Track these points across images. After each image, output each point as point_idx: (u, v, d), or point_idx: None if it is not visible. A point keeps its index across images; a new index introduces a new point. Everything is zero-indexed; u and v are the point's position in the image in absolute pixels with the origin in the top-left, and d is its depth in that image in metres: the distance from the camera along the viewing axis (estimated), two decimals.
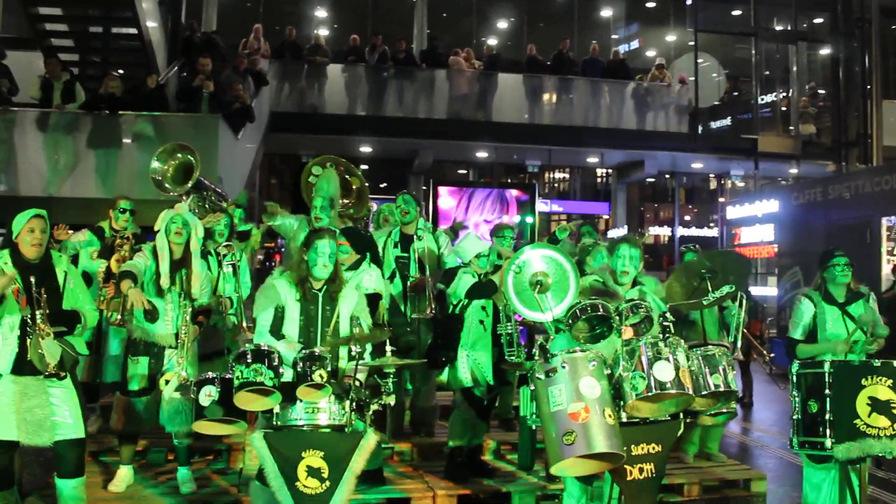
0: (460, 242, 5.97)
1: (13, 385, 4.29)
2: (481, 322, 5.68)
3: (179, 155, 6.62)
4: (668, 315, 4.27)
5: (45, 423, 4.36)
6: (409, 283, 6.30)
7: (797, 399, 4.41)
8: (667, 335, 4.16)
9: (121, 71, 14.05)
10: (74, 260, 6.04)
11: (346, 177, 6.80)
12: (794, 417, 4.46)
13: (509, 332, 5.63)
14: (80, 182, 11.08)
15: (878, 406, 4.07)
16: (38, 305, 4.29)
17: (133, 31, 13.25)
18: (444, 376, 5.89)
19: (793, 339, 5.20)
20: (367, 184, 7.02)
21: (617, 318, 4.25)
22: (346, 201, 6.72)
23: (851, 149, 18.30)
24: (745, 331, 6.86)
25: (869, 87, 17.44)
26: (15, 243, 4.40)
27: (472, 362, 5.61)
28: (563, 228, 7.37)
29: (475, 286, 5.57)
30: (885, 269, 11.89)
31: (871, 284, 10.74)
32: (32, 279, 4.32)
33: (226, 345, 6.02)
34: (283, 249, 16.96)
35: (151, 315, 5.10)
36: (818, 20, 20.62)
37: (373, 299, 5.19)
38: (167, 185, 6.56)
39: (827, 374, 4.23)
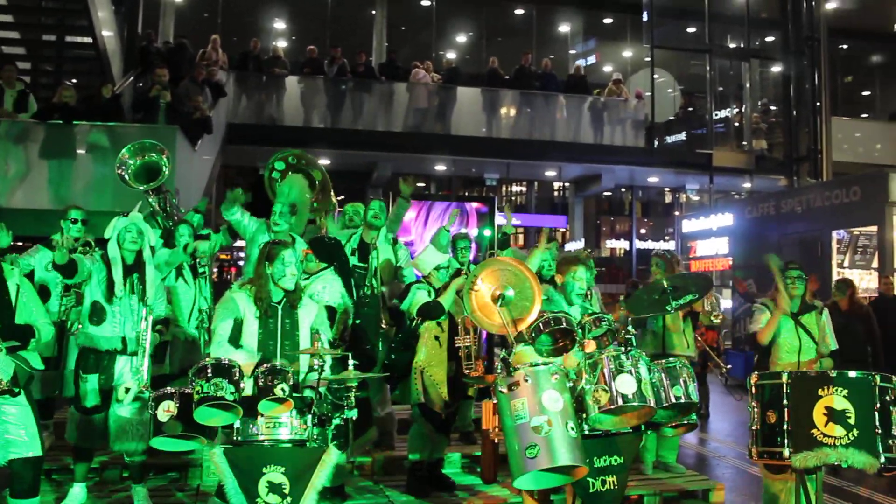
0: (420, 255, 5.94)
1: None
2: (437, 338, 5.59)
3: (153, 155, 6.50)
4: (630, 328, 4.32)
5: None
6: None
7: (756, 409, 4.47)
8: (629, 348, 4.20)
9: (75, 80, 13.79)
10: (29, 277, 5.87)
11: (309, 170, 6.77)
12: (753, 428, 4.51)
13: (468, 345, 5.60)
14: (32, 193, 10.79)
15: (833, 416, 4.13)
16: None
17: (88, 39, 13.00)
18: (397, 391, 5.86)
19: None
20: (328, 175, 7.02)
21: (580, 330, 4.28)
22: (309, 196, 6.70)
23: (802, 164, 18.78)
24: (700, 341, 6.98)
25: (818, 104, 17.95)
26: None
27: (426, 379, 5.53)
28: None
29: (422, 308, 5.48)
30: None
31: (822, 296, 11.03)
32: None
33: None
34: (239, 262, 16.77)
35: (98, 316, 4.99)
36: (770, 38, 21.11)
37: (329, 313, 5.15)
38: (127, 178, 6.43)
39: (785, 385, 4.29)
